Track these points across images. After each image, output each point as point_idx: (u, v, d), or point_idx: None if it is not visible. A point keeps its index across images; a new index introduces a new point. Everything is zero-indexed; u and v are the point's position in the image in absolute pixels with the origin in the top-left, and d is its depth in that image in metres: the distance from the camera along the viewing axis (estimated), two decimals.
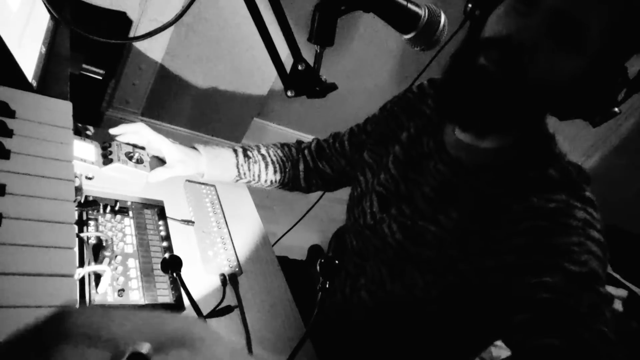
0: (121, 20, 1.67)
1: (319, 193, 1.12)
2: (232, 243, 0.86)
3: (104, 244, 0.68)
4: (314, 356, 0.75)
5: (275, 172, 1.01)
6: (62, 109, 0.72)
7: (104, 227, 0.72)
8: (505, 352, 1.68)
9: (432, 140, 0.80)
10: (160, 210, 0.82)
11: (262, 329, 0.73)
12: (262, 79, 2.18)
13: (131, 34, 1.73)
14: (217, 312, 0.69)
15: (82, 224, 0.69)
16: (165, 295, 0.68)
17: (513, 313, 0.59)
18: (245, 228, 0.94)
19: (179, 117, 2.19)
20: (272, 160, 1.01)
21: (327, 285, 0.68)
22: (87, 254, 0.65)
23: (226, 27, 1.95)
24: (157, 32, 0.65)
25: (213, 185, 0.99)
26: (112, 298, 0.63)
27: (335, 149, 1.01)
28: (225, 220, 0.91)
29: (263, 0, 0.62)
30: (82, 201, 0.71)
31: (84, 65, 1.35)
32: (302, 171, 1.03)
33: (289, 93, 0.67)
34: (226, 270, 0.80)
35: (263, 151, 1.01)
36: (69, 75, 0.88)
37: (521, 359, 0.57)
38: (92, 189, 0.76)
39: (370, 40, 2.41)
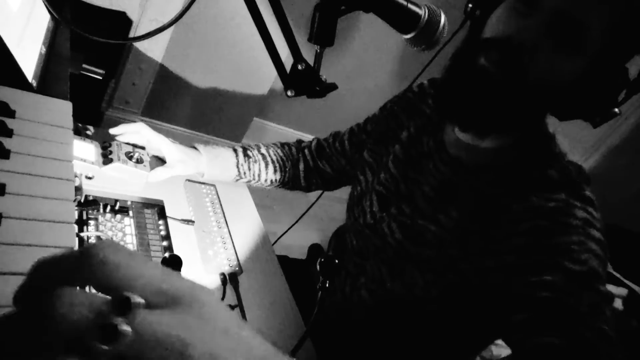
0: (121, 20, 1.67)
1: (319, 192, 1.12)
2: (232, 242, 0.87)
3: None
4: (314, 355, 0.75)
5: (275, 171, 1.01)
6: (62, 109, 0.72)
7: (104, 226, 0.72)
8: (506, 351, 1.68)
9: (432, 140, 0.80)
10: (160, 210, 0.82)
11: (262, 328, 0.74)
12: (262, 78, 2.18)
13: (131, 34, 1.73)
14: None
15: (82, 223, 0.69)
16: None
17: (513, 312, 0.59)
18: (245, 227, 0.94)
19: (179, 117, 2.19)
20: (272, 159, 1.01)
21: (327, 285, 0.68)
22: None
23: (226, 27, 1.95)
24: (157, 32, 0.65)
25: (213, 185, 0.99)
26: None
27: (336, 149, 1.01)
28: (225, 220, 0.91)
29: (263, 0, 0.62)
30: (82, 201, 0.71)
31: (84, 65, 1.35)
32: (302, 170, 1.04)
33: (289, 93, 0.67)
34: (226, 269, 0.80)
35: (263, 151, 1.01)
36: (69, 75, 0.88)
37: (522, 358, 0.57)
38: (92, 189, 0.76)
39: (370, 40, 2.41)
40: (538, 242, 0.61)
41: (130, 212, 0.77)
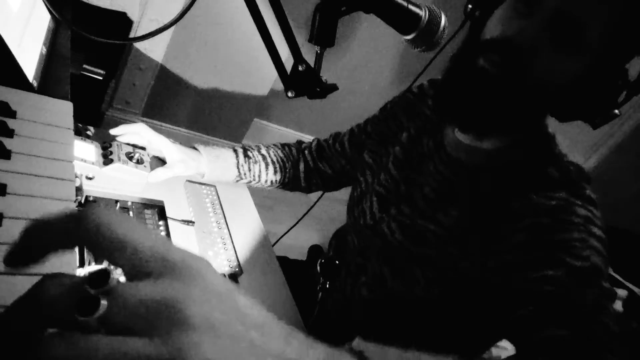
0: (121, 21, 1.67)
1: (319, 193, 1.12)
2: (233, 243, 0.87)
3: None
4: None
5: (275, 172, 1.01)
6: (63, 109, 0.72)
7: None
8: (505, 353, 1.68)
9: (432, 141, 0.80)
10: (160, 211, 0.82)
11: None
12: (263, 79, 2.18)
13: (131, 35, 1.73)
14: None
15: None
16: None
17: (516, 307, 0.59)
18: (246, 228, 0.94)
19: (179, 117, 2.19)
20: (272, 160, 1.01)
21: (328, 286, 0.68)
22: (88, 254, 0.65)
23: (227, 28, 1.95)
24: (157, 32, 0.65)
25: (213, 186, 0.99)
26: None
27: (336, 149, 1.01)
28: (226, 221, 0.91)
29: (263, 0, 0.62)
30: (83, 201, 0.71)
31: (85, 66, 1.36)
32: (303, 171, 1.04)
33: (289, 94, 0.67)
34: (226, 270, 0.80)
35: (263, 151, 1.01)
36: (69, 75, 0.88)
37: (528, 351, 0.57)
38: (92, 189, 0.76)
39: (371, 41, 2.41)
40: (539, 238, 0.61)
41: (131, 213, 0.77)
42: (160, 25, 0.64)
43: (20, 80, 0.71)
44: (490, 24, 0.66)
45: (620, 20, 0.58)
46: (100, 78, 1.46)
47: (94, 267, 0.62)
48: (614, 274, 2.29)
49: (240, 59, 2.06)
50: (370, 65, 2.53)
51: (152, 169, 0.84)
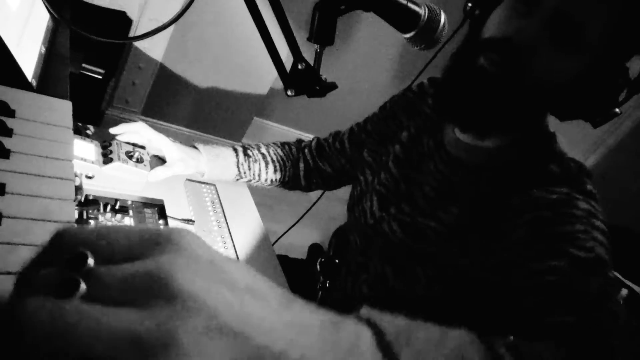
0: (121, 20, 1.67)
1: (319, 192, 1.12)
2: (233, 242, 0.87)
3: None
4: None
5: (275, 171, 1.01)
6: (62, 109, 0.72)
7: None
8: None
9: (432, 140, 0.80)
10: (160, 210, 0.82)
11: None
12: (262, 78, 2.18)
13: (131, 34, 1.73)
14: None
15: (82, 223, 0.69)
16: None
17: (520, 298, 0.58)
18: (246, 227, 0.94)
19: (179, 116, 2.19)
20: (272, 159, 1.01)
21: (328, 285, 0.68)
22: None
23: (226, 27, 1.95)
24: (157, 31, 0.65)
25: (213, 184, 0.99)
26: None
27: (336, 148, 1.01)
28: (226, 219, 0.91)
29: (263, 0, 0.62)
30: (83, 200, 0.71)
31: (84, 65, 1.35)
32: (302, 170, 1.04)
33: (289, 92, 0.67)
34: None
35: (263, 150, 1.01)
36: (69, 74, 0.88)
37: (533, 337, 0.56)
38: (92, 188, 0.76)
39: (370, 40, 2.41)
40: (541, 232, 0.61)
41: (131, 212, 0.77)
42: (160, 24, 0.64)
43: (19, 79, 0.71)
44: (489, 23, 0.66)
45: (620, 19, 0.58)
46: (100, 77, 1.46)
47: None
48: (614, 273, 2.28)
49: (240, 57, 2.06)
50: (370, 64, 2.53)
51: (152, 168, 0.84)
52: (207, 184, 0.98)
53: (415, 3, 0.64)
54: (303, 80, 0.66)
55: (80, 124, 0.81)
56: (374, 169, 0.89)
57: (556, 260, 0.57)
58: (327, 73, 0.67)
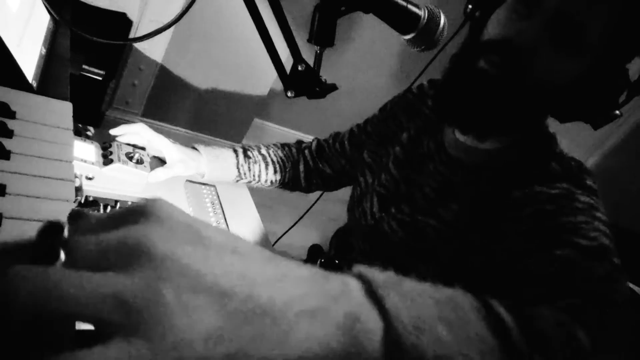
0: (121, 21, 1.67)
1: (319, 192, 1.12)
2: None
3: None
4: None
5: (275, 172, 1.01)
6: (63, 110, 0.72)
7: None
8: None
9: (432, 141, 0.80)
10: None
11: None
12: (262, 79, 2.18)
13: (131, 35, 1.73)
14: None
15: None
16: None
17: (525, 289, 0.57)
18: (246, 227, 0.94)
19: (179, 117, 2.19)
20: (272, 160, 1.01)
21: None
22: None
23: (226, 28, 1.95)
24: (157, 33, 0.65)
25: (213, 185, 0.99)
26: None
27: (336, 149, 1.01)
28: (226, 220, 0.91)
29: (263, 0, 0.62)
30: (83, 201, 0.71)
31: (84, 66, 1.36)
32: (303, 171, 1.04)
33: (289, 94, 0.67)
34: None
35: (263, 151, 1.01)
36: (69, 76, 0.88)
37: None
38: (92, 189, 0.76)
39: (370, 41, 2.41)
40: (543, 224, 0.60)
41: None
42: (160, 25, 0.64)
43: (19, 80, 0.71)
44: (490, 24, 0.66)
45: (620, 21, 0.58)
46: (100, 78, 1.46)
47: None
48: (619, 260, 2.27)
49: (240, 59, 2.06)
50: (370, 65, 2.53)
51: (152, 169, 0.84)
52: (207, 185, 0.98)
53: (415, 5, 0.64)
54: (303, 82, 0.66)
55: (80, 125, 0.81)
56: (374, 170, 0.89)
57: (560, 249, 0.56)
58: (327, 74, 0.67)
